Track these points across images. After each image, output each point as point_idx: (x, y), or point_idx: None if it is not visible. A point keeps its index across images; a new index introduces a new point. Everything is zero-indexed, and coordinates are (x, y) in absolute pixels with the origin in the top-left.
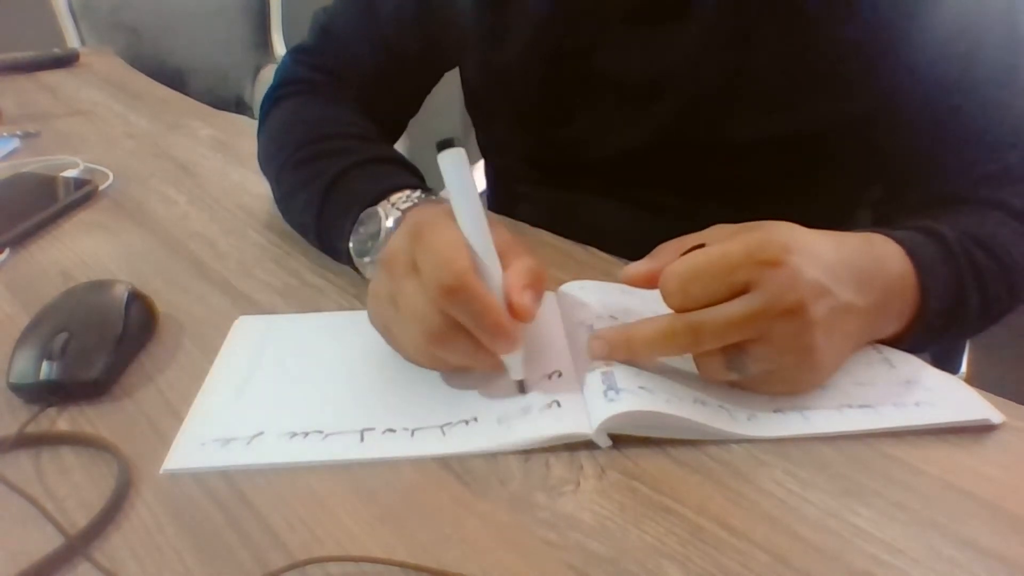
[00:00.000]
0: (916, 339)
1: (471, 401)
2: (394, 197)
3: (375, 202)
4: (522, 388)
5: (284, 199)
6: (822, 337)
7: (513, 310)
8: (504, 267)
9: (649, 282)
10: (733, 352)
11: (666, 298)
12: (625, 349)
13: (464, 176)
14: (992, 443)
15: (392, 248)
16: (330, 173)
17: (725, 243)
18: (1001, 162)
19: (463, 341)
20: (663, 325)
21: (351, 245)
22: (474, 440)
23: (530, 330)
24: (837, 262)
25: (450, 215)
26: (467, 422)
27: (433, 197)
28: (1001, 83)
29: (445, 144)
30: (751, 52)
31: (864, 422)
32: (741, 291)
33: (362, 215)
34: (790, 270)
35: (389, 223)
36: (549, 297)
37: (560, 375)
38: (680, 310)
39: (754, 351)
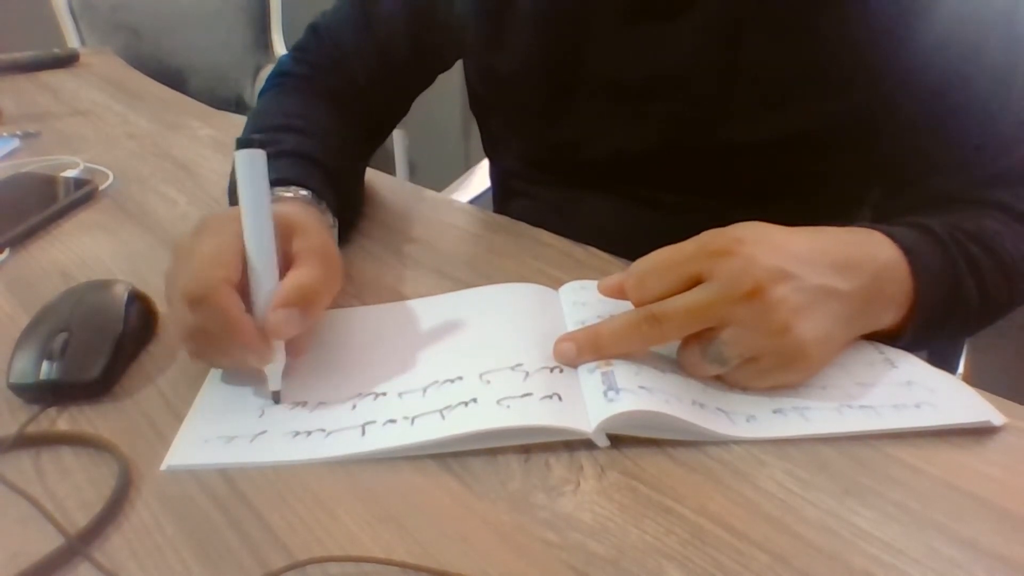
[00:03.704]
0: (917, 330)
1: (471, 385)
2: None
3: None
4: (276, 399)
5: None
6: (795, 317)
7: (266, 325)
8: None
9: (622, 293)
10: (706, 341)
11: (628, 294)
12: (593, 347)
13: (254, 179)
14: (993, 443)
15: (181, 238)
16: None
17: (685, 240)
18: (1000, 163)
19: (213, 345)
20: (626, 318)
21: None
22: (473, 421)
23: (532, 325)
24: (807, 251)
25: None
26: (466, 404)
27: (305, 196)
28: (1001, 84)
29: (245, 145)
30: (745, 51)
31: (864, 423)
32: (695, 282)
33: None
34: (742, 259)
35: None
36: (552, 294)
37: (561, 371)
38: (641, 304)
39: (724, 336)
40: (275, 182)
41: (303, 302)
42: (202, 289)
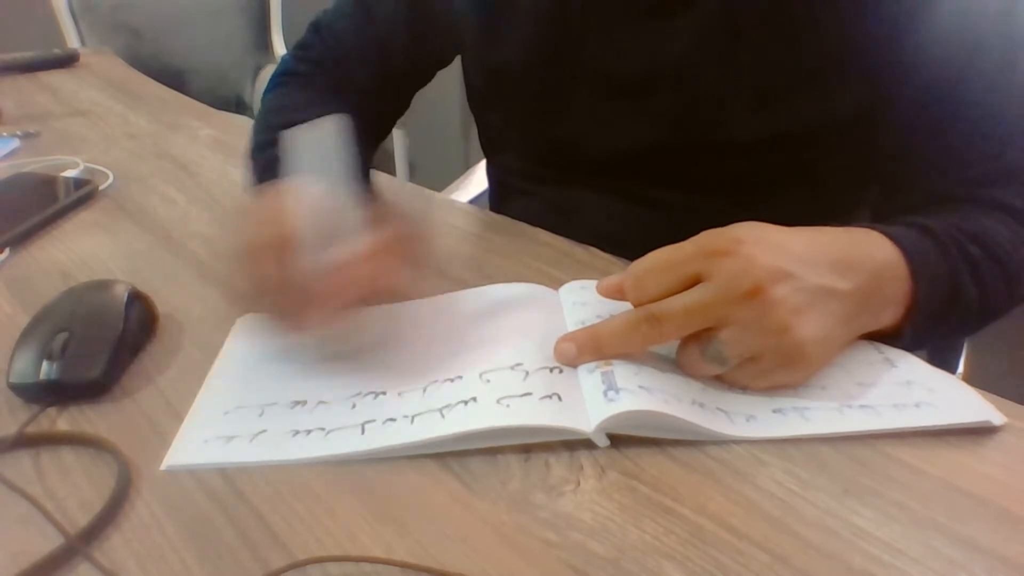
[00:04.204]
0: (916, 329)
1: (471, 384)
2: None
3: None
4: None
5: None
6: (795, 317)
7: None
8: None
9: (621, 294)
10: (705, 341)
11: (627, 294)
12: (593, 348)
13: (339, 146)
14: (992, 443)
15: (247, 204)
16: (260, 165)
17: (684, 241)
18: (1000, 162)
19: (271, 299)
20: (626, 319)
21: None
22: (473, 420)
23: (532, 325)
24: (806, 251)
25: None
26: (466, 403)
27: None
28: (1000, 83)
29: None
30: (744, 48)
31: (864, 423)
32: (694, 282)
33: None
34: (741, 259)
35: None
36: (552, 294)
37: (561, 371)
38: (640, 304)
39: (723, 336)
40: None
41: (404, 251)
42: (279, 237)
